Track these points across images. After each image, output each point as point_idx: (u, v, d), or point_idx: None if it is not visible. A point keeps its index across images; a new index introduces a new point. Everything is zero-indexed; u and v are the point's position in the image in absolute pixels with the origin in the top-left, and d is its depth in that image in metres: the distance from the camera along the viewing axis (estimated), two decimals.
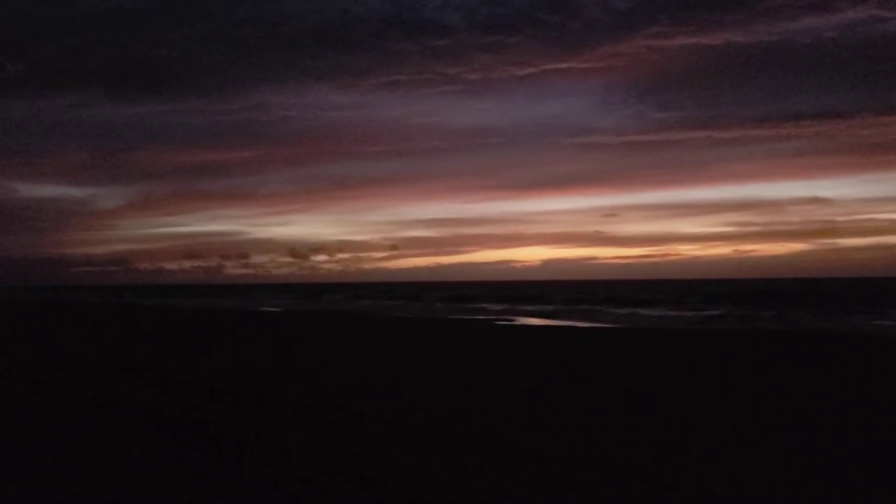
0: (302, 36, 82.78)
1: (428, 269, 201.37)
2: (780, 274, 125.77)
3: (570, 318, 39.48)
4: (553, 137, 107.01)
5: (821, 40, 70.75)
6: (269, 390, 11.60)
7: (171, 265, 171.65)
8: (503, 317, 41.45)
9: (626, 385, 12.53)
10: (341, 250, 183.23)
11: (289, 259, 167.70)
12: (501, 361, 16.50)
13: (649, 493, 6.06)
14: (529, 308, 50.98)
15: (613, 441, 7.91)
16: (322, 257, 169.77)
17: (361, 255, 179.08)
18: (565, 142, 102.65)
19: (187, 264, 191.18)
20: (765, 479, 6.50)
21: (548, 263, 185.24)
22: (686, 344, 21.52)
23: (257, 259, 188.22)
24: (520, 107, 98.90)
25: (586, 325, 34.01)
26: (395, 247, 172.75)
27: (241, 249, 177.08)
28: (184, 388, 11.81)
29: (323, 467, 6.77)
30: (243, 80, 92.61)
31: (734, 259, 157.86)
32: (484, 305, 56.28)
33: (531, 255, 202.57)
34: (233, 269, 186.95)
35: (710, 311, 43.34)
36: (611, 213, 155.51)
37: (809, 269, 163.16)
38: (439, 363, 16.06)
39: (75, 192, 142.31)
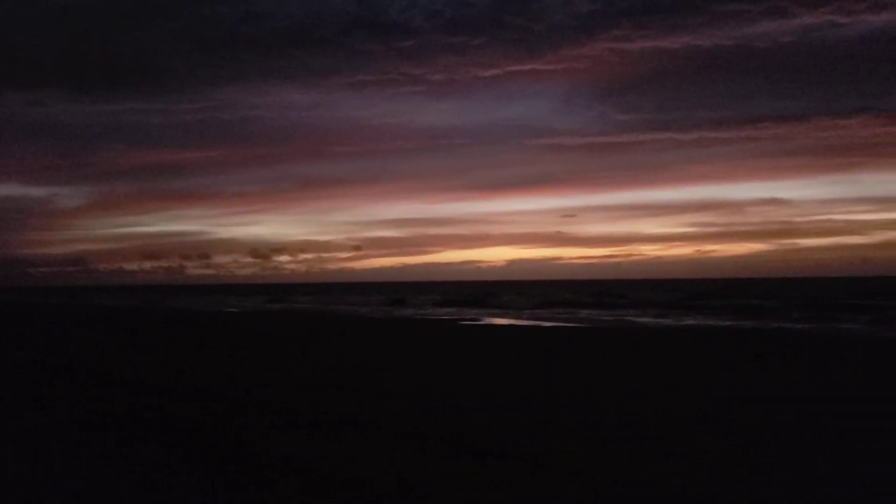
0: (266, 35, 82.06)
1: (393, 269, 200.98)
2: (741, 274, 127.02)
3: (549, 319, 39.55)
4: (517, 138, 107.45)
5: (778, 45, 72.25)
6: (231, 392, 11.32)
7: (131, 266, 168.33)
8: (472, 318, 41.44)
9: (599, 381, 12.49)
10: (304, 250, 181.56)
11: (251, 259, 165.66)
12: (474, 361, 16.36)
13: (620, 492, 5.99)
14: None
15: (584, 440, 7.82)
16: (285, 257, 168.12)
17: (326, 255, 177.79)
18: (529, 143, 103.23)
19: (148, 265, 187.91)
20: (740, 474, 6.47)
21: (513, 263, 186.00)
22: (663, 341, 21.66)
23: (220, 259, 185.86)
24: (484, 108, 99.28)
25: (561, 324, 34.05)
26: (359, 247, 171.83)
27: (202, 250, 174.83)
28: (151, 392, 11.42)
29: (301, 472, 6.58)
30: (206, 79, 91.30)
31: (696, 259, 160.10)
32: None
33: (496, 255, 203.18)
34: (194, 270, 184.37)
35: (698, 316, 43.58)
36: (573, 213, 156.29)
37: (769, 269, 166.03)
38: (411, 364, 15.87)
39: (34, 191, 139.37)
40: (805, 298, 56.07)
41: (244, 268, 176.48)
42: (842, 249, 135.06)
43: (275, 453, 7.21)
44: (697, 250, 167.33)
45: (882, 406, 10.11)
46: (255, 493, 5.92)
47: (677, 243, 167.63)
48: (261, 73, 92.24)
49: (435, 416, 9.36)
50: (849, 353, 18.25)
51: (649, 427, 8.57)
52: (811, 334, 25.70)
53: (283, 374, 13.95)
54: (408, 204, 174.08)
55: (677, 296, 67.35)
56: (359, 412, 9.53)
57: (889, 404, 10.30)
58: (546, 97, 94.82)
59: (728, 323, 33.87)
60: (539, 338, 24.93)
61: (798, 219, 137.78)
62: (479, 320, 37.91)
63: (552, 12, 72.72)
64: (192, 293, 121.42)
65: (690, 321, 35.60)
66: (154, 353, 17.82)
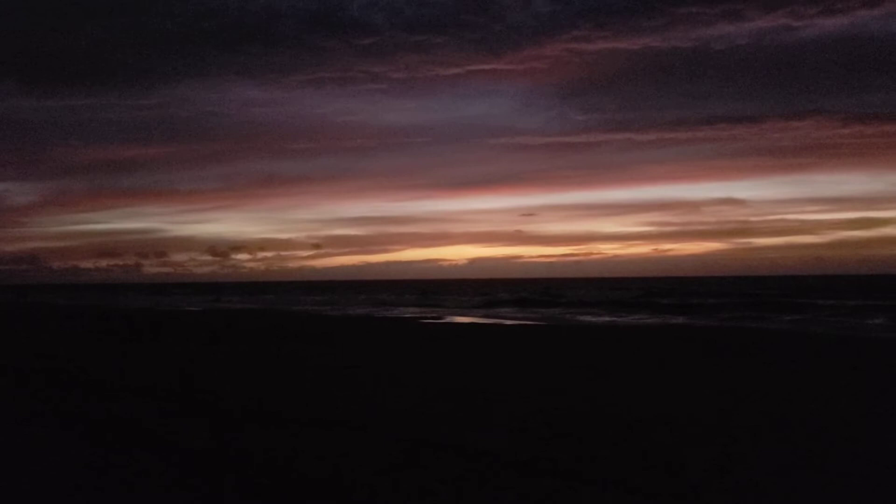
0: (224, 31, 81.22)
1: (354, 267, 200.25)
2: (697, 272, 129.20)
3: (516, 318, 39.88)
4: (478, 137, 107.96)
5: (734, 47, 73.77)
6: (194, 393, 11.19)
7: (86, 263, 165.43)
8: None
9: (552, 378, 12.80)
10: (264, 249, 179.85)
11: (210, 257, 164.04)
12: (433, 359, 16.57)
13: (569, 488, 6.10)
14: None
15: (537, 438, 7.97)
16: (244, 256, 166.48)
17: (286, 253, 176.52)
18: (490, 142, 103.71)
19: (104, 263, 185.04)
20: (683, 470, 6.66)
21: (474, 262, 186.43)
22: (622, 339, 22.16)
23: (177, 258, 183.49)
24: (445, 106, 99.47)
25: (518, 322, 34.39)
26: (318, 245, 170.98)
27: (159, 247, 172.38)
28: (106, 393, 11.26)
29: (266, 472, 6.57)
30: (163, 74, 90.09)
31: (653, 258, 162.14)
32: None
33: (458, 253, 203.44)
34: (151, 268, 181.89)
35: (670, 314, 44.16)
36: (533, 212, 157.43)
37: (725, 267, 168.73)
38: (374, 362, 15.92)
39: None
40: (745, 296, 57.30)
41: (202, 266, 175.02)
42: (795, 248, 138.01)
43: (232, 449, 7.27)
44: (655, 249, 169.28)
45: (804, 397, 10.65)
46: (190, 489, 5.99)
47: (635, 242, 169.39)
48: (219, 70, 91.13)
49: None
50: (779, 349, 18.81)
51: (595, 422, 8.79)
52: (742, 331, 26.34)
53: (230, 372, 13.95)
54: (369, 202, 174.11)
55: (623, 294, 68.30)
56: (323, 410, 9.54)
57: (801, 396, 10.83)
58: (507, 97, 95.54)
59: (678, 320, 34.60)
60: (478, 335, 25.16)
61: (753, 218, 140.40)
62: (428, 318, 38.14)
63: (512, 13, 73.44)
64: (149, 291, 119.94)
65: (632, 318, 36.30)
66: (102, 351, 17.66)
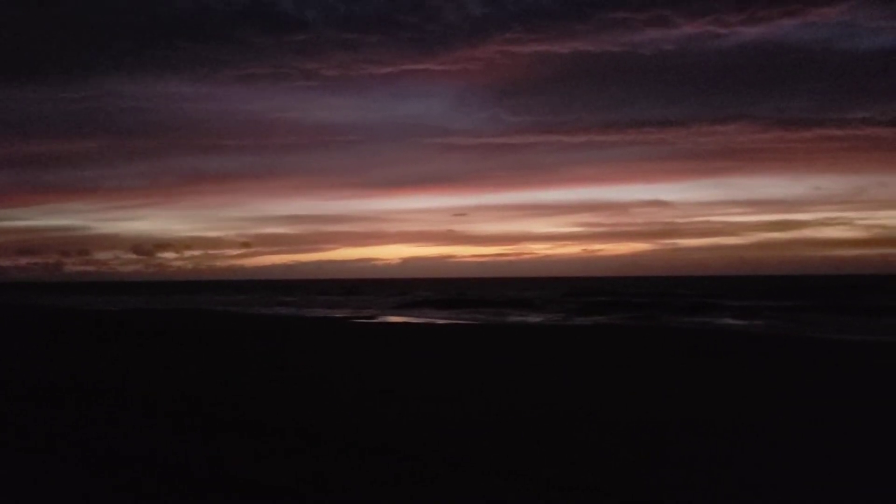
0: (152, 24, 79.37)
1: (285, 266, 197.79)
2: (626, 272, 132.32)
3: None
4: (411, 137, 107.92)
5: (661, 52, 75.54)
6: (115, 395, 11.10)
7: (4, 261, 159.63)
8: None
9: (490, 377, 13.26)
10: (191, 247, 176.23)
11: (134, 256, 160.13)
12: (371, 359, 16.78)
13: (499, 484, 6.32)
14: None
15: (469, 436, 8.19)
16: (170, 254, 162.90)
17: (214, 252, 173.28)
18: (423, 142, 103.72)
19: (23, 261, 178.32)
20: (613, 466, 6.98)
21: (407, 261, 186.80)
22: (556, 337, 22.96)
23: (101, 256, 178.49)
24: (378, 105, 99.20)
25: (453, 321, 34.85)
26: (248, 244, 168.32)
27: (83, 245, 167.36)
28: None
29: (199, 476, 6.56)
30: (88, 67, 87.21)
31: (583, 258, 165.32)
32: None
33: (391, 253, 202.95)
34: (73, 266, 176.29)
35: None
36: (465, 212, 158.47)
37: (652, 267, 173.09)
38: (307, 362, 16.05)
39: None
40: (667, 296, 59.14)
41: (127, 265, 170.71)
42: (719, 249, 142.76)
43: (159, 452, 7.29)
44: (585, 249, 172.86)
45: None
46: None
47: (566, 242, 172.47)
48: (146, 63, 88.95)
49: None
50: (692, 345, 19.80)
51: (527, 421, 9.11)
52: (640, 329, 27.39)
53: (161, 371, 13.92)
54: (300, 200, 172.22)
55: (548, 293, 69.63)
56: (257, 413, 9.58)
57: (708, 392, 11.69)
58: (440, 97, 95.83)
59: (606, 321, 35.66)
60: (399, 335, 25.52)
61: (679, 220, 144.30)
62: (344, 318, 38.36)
63: (446, 13, 73.86)
64: (72, 291, 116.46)
65: (555, 318, 37.32)
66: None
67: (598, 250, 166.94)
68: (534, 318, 38.70)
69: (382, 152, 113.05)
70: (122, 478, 6.44)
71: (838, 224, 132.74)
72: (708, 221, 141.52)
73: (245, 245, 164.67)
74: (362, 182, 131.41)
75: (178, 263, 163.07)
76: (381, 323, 35.14)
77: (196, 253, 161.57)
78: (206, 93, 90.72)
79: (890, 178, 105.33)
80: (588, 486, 6.29)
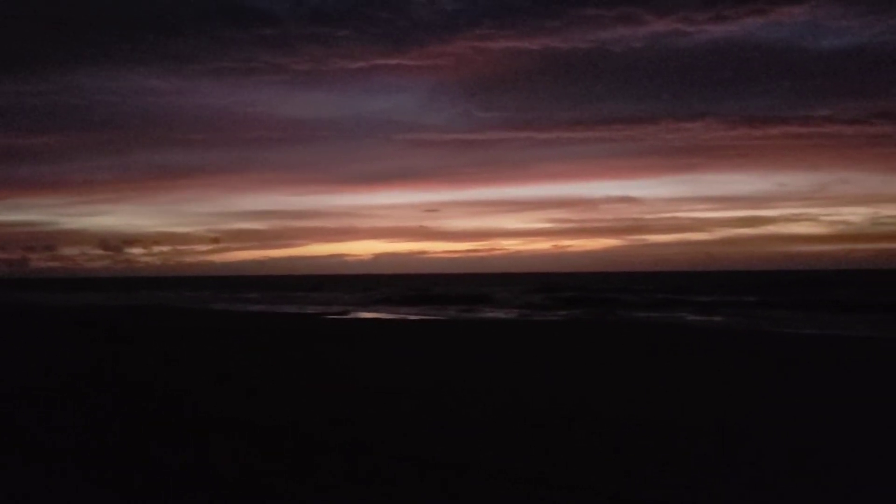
0: (119, 17, 77.84)
1: (256, 262, 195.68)
2: (595, 268, 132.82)
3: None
4: (383, 132, 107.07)
5: (630, 50, 75.65)
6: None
7: None
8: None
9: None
10: (159, 243, 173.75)
11: (101, 252, 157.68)
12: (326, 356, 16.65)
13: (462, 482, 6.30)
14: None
15: (429, 434, 8.15)
16: (138, 250, 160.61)
17: (183, 247, 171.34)
18: (395, 137, 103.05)
19: None
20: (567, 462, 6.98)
21: (379, 257, 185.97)
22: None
23: (67, 251, 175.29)
24: (350, 100, 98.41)
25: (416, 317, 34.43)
26: (217, 240, 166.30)
27: (49, 241, 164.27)
28: None
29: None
30: (54, 60, 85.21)
31: (554, 254, 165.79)
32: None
33: (363, 248, 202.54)
34: (39, 263, 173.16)
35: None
36: (437, 208, 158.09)
37: (621, 263, 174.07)
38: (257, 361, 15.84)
39: None
40: (635, 293, 59.34)
41: (94, 260, 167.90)
42: (687, 245, 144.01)
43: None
44: (555, 245, 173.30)
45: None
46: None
47: (536, 238, 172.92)
48: (113, 57, 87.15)
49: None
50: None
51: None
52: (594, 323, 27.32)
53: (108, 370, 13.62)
54: (270, 196, 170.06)
55: (514, 289, 69.66)
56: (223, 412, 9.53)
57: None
58: (412, 92, 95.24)
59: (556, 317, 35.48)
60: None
61: (647, 216, 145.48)
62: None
63: (417, 9, 73.48)
64: (36, 287, 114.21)
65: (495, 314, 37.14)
66: None
67: (568, 246, 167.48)
68: (493, 315, 38.50)
69: (353, 148, 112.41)
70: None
71: (803, 220, 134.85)
72: (676, 217, 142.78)
73: (214, 241, 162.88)
74: (333, 177, 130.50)
75: (147, 259, 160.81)
76: (341, 319, 34.64)
77: (165, 248, 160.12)
78: (175, 87, 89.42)
79: (852, 175, 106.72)
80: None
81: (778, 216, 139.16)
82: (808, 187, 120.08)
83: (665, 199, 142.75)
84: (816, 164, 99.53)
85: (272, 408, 9.81)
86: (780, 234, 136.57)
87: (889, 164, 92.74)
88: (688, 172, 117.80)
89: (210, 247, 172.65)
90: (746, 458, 7.10)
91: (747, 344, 20.06)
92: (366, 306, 49.28)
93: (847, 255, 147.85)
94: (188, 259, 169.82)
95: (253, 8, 74.27)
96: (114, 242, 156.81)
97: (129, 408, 9.78)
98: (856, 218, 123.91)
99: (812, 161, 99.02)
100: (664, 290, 62.01)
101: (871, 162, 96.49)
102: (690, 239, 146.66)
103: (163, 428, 8.45)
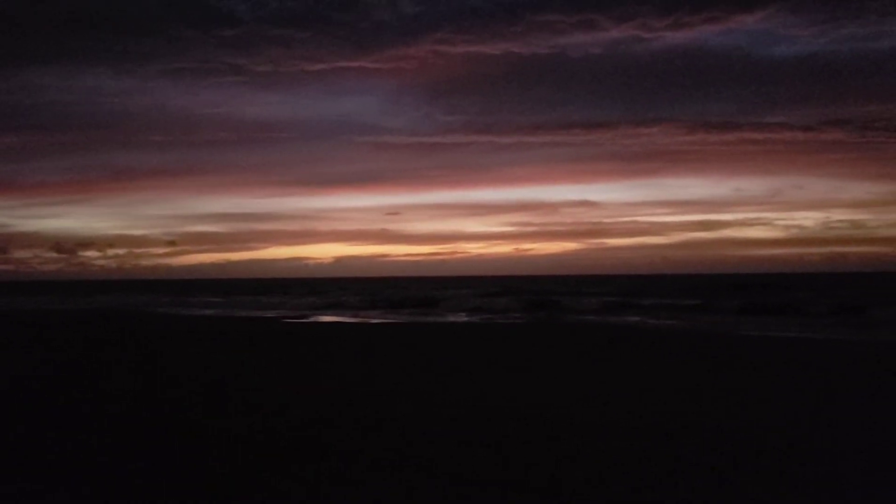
0: (75, 15, 76.44)
1: (214, 265, 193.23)
2: (556, 271, 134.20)
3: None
4: (344, 135, 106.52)
5: (589, 55, 76.54)
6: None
7: None
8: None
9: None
10: (114, 245, 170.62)
11: (55, 255, 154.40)
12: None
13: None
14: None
15: (395, 434, 8.31)
16: (93, 253, 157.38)
17: (139, 250, 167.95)
18: (356, 140, 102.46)
19: None
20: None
21: (340, 261, 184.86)
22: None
23: (20, 254, 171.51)
24: (311, 102, 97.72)
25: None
26: (174, 242, 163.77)
27: (0, 243, 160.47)
28: None
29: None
30: (6, 59, 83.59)
31: (515, 257, 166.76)
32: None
33: (324, 252, 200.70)
34: None
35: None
36: (398, 211, 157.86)
37: (581, 266, 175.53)
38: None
39: None
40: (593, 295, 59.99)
41: (48, 263, 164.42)
42: (645, 249, 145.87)
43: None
44: (516, 248, 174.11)
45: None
46: None
47: (498, 241, 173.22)
48: (68, 56, 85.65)
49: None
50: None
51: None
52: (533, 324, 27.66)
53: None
54: (229, 198, 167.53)
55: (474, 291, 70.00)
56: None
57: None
58: (373, 95, 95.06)
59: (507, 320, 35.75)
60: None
61: (606, 220, 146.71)
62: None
63: (378, 11, 73.42)
64: None
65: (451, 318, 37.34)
66: None
67: (529, 249, 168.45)
68: (442, 319, 38.70)
69: (314, 150, 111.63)
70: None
71: (758, 224, 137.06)
72: (634, 221, 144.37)
73: (171, 244, 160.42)
74: (294, 180, 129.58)
75: (102, 262, 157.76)
76: (290, 323, 34.52)
77: (120, 251, 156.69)
78: (132, 87, 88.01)
79: (805, 181, 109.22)
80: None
81: (734, 220, 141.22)
82: (763, 192, 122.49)
83: (624, 204, 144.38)
84: (771, 169, 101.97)
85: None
86: (736, 238, 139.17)
87: (841, 169, 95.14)
88: (646, 177, 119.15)
89: (167, 250, 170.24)
90: (673, 454, 7.44)
91: (685, 344, 20.78)
92: (317, 310, 49.14)
93: (800, 259, 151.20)
94: (144, 262, 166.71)
95: (212, 8, 73.59)
96: (68, 245, 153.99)
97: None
98: (809, 222, 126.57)
99: (767, 166, 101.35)
100: (616, 294, 62.84)
101: (823, 168, 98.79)
102: (648, 242, 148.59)
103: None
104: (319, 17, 76.56)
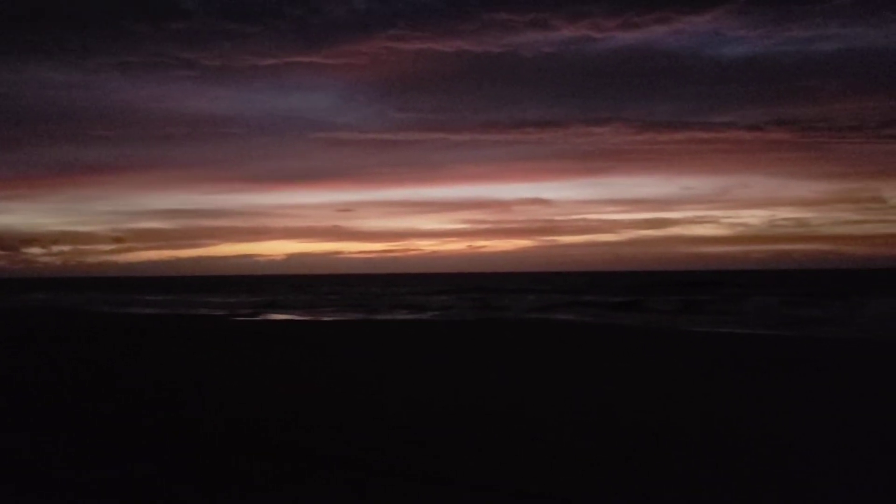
0: (21, 6, 74.35)
1: (162, 262, 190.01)
2: (509, 268, 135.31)
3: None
4: (295, 131, 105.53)
5: (541, 55, 77.12)
6: None
7: None
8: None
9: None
10: (59, 242, 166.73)
11: None
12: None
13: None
14: None
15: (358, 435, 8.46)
16: (37, 249, 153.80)
17: (84, 247, 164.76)
18: (308, 136, 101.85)
19: None
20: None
21: (292, 257, 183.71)
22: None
23: None
24: (262, 98, 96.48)
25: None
26: (121, 239, 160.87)
27: None
28: None
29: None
30: None
31: (469, 254, 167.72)
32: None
33: (275, 249, 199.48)
34: None
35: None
36: (351, 208, 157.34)
37: (533, 263, 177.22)
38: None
39: None
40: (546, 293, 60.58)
41: None
42: (596, 246, 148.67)
43: None
44: (470, 246, 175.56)
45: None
46: None
47: (451, 239, 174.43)
48: (13, 48, 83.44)
49: None
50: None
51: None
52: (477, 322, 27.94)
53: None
54: (178, 194, 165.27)
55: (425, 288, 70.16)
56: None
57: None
58: (325, 91, 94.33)
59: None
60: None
61: (558, 218, 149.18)
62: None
63: (330, 7, 72.91)
64: None
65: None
66: None
67: (483, 247, 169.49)
68: (383, 317, 38.80)
69: (265, 146, 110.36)
70: None
71: (706, 222, 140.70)
72: (585, 219, 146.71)
73: (118, 240, 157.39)
74: (244, 176, 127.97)
75: (46, 259, 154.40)
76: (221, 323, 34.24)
77: (65, 248, 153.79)
78: (78, 80, 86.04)
79: (751, 179, 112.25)
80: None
81: (682, 218, 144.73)
82: (710, 190, 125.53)
83: (575, 202, 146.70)
84: (718, 168, 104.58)
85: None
86: (684, 236, 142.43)
87: (785, 169, 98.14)
88: (596, 175, 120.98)
89: (113, 246, 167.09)
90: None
91: (624, 340, 21.83)
92: (256, 309, 48.74)
93: (746, 256, 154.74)
94: (90, 259, 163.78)
95: (162, 1, 72.38)
96: (10, 242, 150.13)
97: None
98: (754, 220, 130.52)
99: (714, 165, 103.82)
100: (565, 291, 63.66)
101: (768, 167, 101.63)
102: (599, 240, 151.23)
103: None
104: (271, 12, 75.80)
